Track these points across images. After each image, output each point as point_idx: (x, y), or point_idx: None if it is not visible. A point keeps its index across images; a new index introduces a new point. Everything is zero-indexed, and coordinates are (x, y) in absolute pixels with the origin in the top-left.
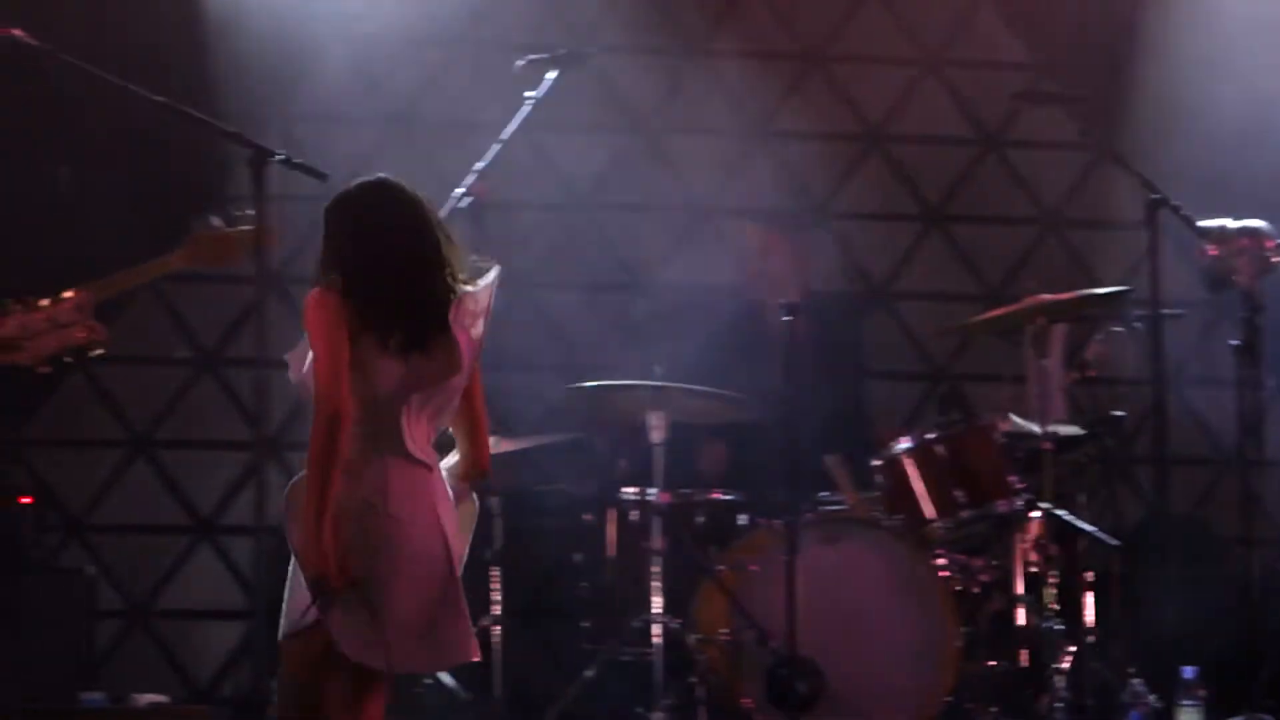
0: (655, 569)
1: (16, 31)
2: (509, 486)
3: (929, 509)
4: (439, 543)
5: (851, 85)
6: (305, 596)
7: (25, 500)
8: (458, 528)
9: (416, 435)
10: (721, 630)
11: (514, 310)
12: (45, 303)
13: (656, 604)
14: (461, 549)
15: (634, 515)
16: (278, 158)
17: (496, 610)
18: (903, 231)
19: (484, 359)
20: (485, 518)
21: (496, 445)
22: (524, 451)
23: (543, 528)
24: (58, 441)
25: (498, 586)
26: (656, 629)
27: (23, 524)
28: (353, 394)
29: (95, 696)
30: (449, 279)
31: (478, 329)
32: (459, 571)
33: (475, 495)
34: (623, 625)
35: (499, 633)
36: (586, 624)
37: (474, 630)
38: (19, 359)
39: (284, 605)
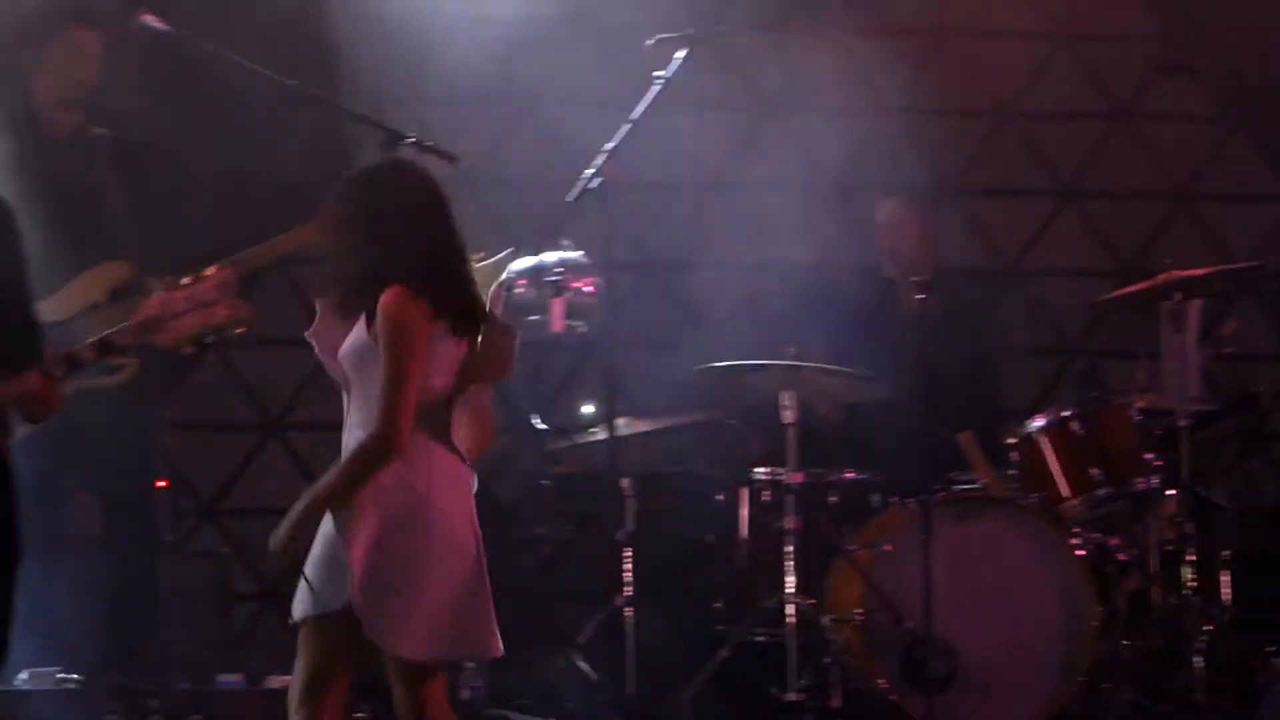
0: (788, 549)
1: (148, 15)
2: (641, 468)
3: (1065, 487)
4: (472, 535)
5: (982, 60)
6: (337, 581)
7: (161, 484)
8: None
9: (458, 427)
10: (855, 610)
11: (644, 291)
12: (187, 281)
13: (790, 585)
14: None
15: (766, 495)
16: (409, 140)
17: (629, 592)
18: (1036, 207)
19: (618, 339)
20: (619, 498)
21: (629, 427)
22: (655, 433)
23: (675, 509)
24: (191, 425)
25: (629, 568)
26: (790, 610)
27: (159, 508)
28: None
29: (233, 678)
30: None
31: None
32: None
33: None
34: (756, 606)
35: (631, 615)
36: (719, 605)
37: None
38: (161, 339)
39: (310, 583)
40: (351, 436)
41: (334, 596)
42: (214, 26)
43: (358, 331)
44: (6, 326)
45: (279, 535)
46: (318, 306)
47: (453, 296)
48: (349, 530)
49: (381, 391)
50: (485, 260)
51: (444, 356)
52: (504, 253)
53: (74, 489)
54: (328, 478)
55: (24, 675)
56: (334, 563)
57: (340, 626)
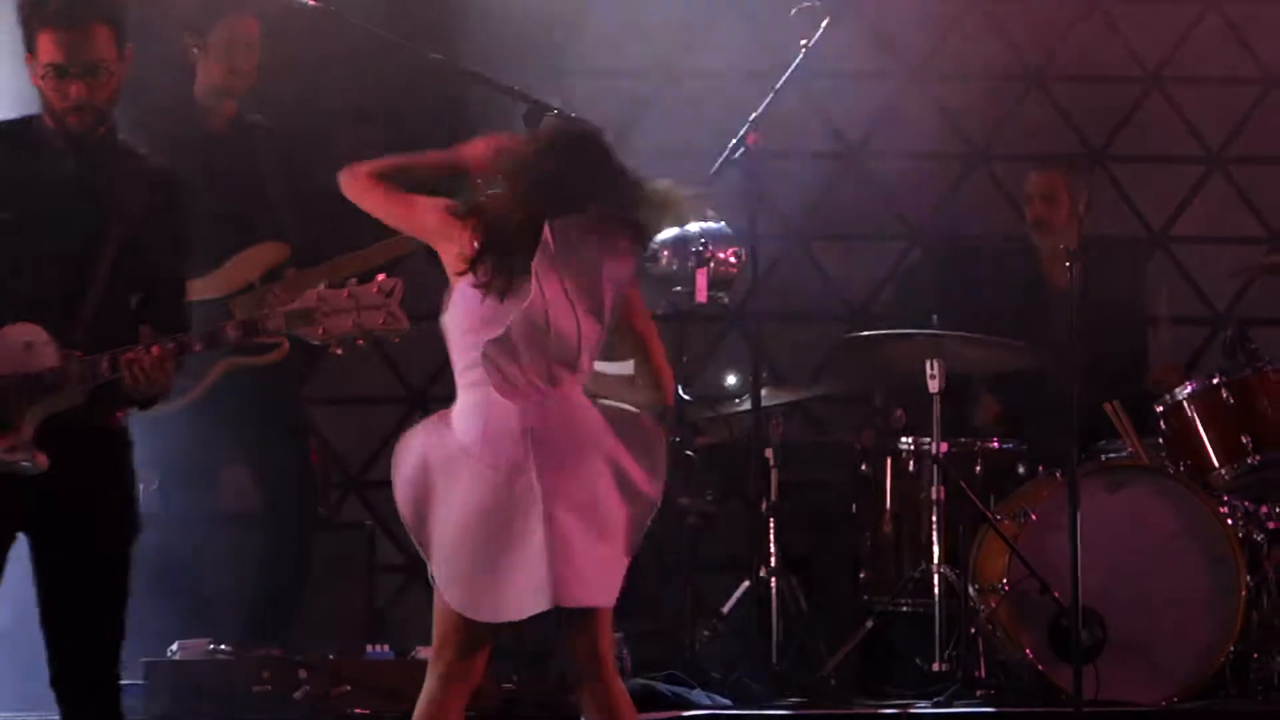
0: (933, 519)
1: None
2: (784, 438)
3: (1214, 455)
4: (522, 483)
5: (1129, 25)
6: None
7: (312, 456)
8: (590, 461)
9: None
10: (1002, 580)
11: (787, 260)
12: (353, 281)
13: (935, 555)
14: (602, 485)
15: (911, 465)
16: (553, 112)
17: (773, 563)
18: (1183, 174)
19: (761, 309)
20: (763, 469)
21: (772, 396)
22: (799, 403)
23: (819, 479)
24: (337, 399)
25: (773, 539)
26: (935, 580)
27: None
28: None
29: (381, 649)
30: None
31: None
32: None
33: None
34: (901, 577)
35: (775, 585)
36: (864, 575)
37: (585, 573)
38: (310, 334)
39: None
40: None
41: None
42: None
43: None
44: (157, 301)
45: None
46: None
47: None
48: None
49: None
50: None
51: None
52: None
53: (226, 464)
54: None
55: (175, 647)
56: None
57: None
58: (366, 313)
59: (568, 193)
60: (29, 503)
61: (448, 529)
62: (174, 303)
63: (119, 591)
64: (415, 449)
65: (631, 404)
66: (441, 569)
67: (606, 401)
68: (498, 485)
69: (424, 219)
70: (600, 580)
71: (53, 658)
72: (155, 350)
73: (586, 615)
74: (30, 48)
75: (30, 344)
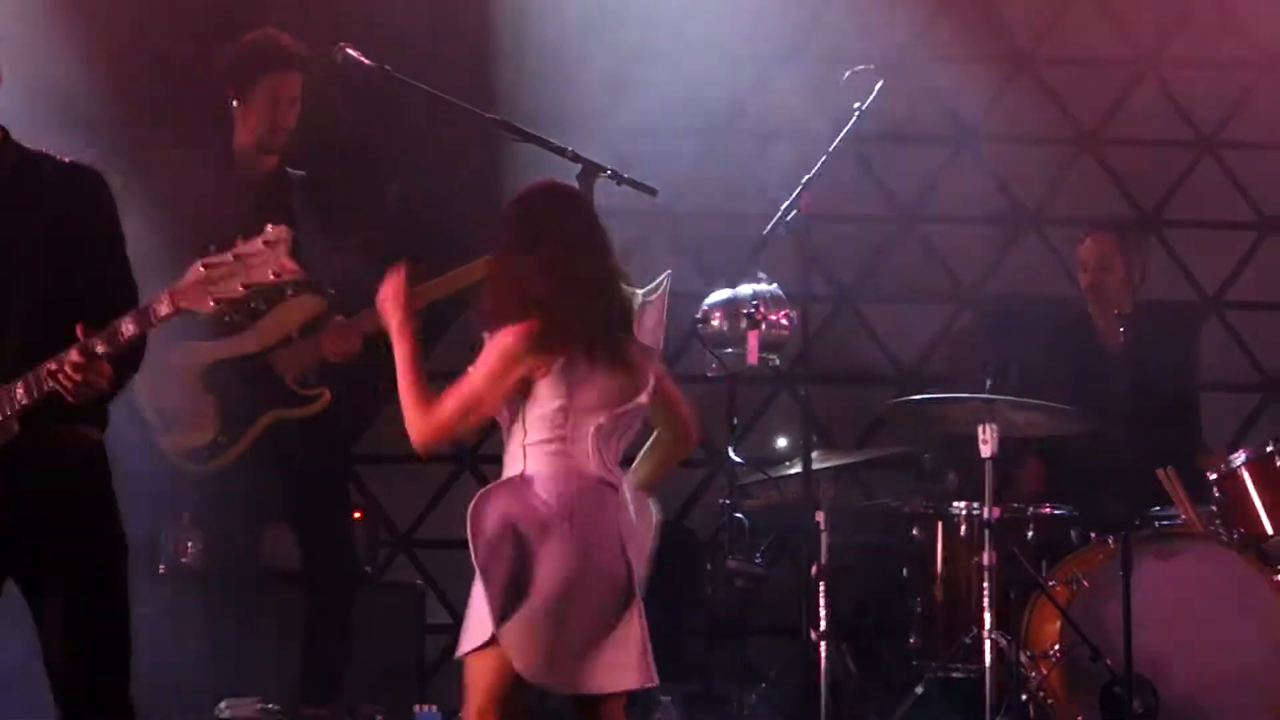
0: (985, 585)
1: (349, 49)
2: (835, 502)
3: (1269, 523)
4: (621, 564)
5: (1181, 92)
6: (485, 614)
7: (357, 515)
8: (642, 547)
9: (605, 454)
10: (1054, 647)
11: (838, 322)
12: (238, 246)
13: (987, 621)
14: (642, 569)
15: (963, 530)
16: (606, 173)
17: (822, 627)
18: (1236, 239)
19: (812, 372)
20: (813, 532)
21: (823, 459)
22: (850, 465)
23: (869, 543)
24: (386, 458)
25: (823, 603)
26: (987, 646)
27: (356, 539)
28: (543, 410)
29: (429, 710)
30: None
31: (657, 338)
32: (638, 594)
33: (654, 507)
34: (952, 642)
35: (825, 649)
36: (914, 641)
37: (648, 656)
38: (201, 307)
39: (465, 623)
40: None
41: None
42: (398, 60)
43: None
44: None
45: None
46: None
47: (593, 324)
48: (484, 559)
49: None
50: (645, 290)
51: (582, 382)
52: (660, 279)
53: (270, 521)
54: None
55: (223, 705)
56: (480, 600)
57: (490, 659)
58: (254, 269)
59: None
60: (9, 545)
61: (535, 594)
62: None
63: (117, 614)
64: (499, 510)
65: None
66: (516, 632)
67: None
68: (590, 558)
69: (504, 386)
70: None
71: (57, 698)
72: (74, 354)
73: (628, 694)
74: None
75: None
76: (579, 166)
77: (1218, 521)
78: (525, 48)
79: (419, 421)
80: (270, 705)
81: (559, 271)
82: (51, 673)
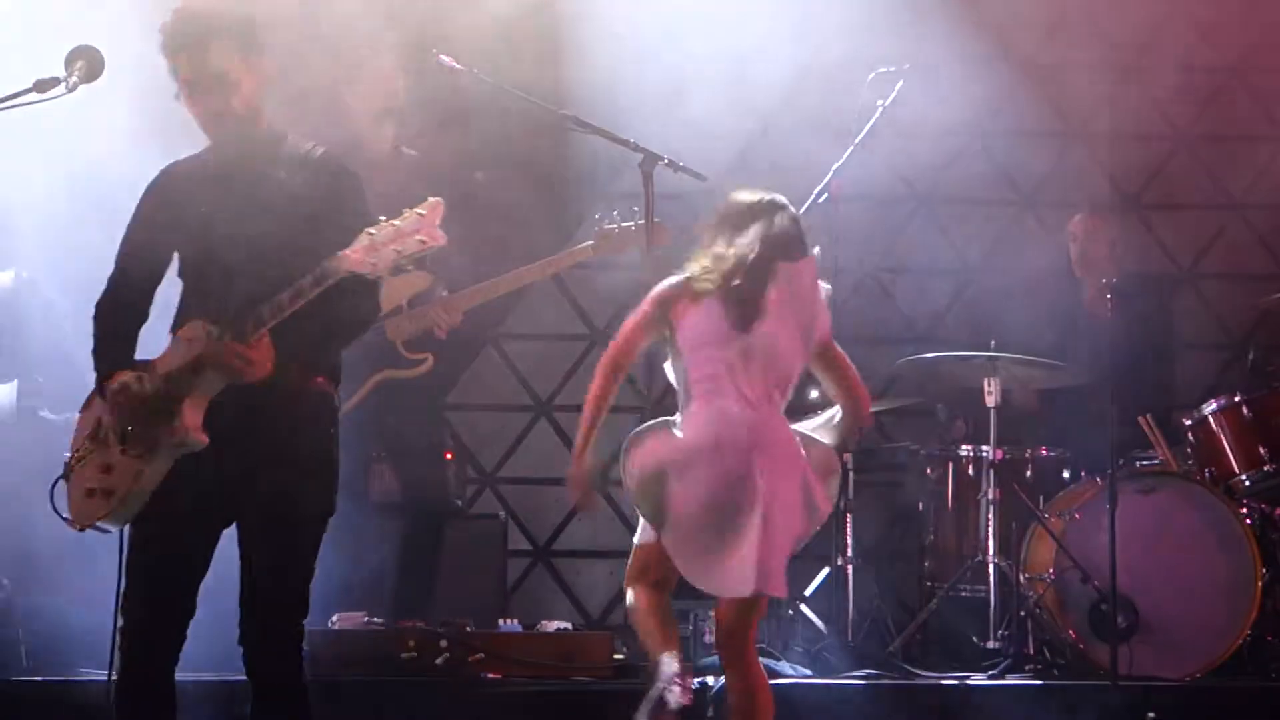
0: (989, 517)
1: (443, 55)
2: (860, 445)
3: (1235, 463)
4: (744, 491)
5: (1162, 91)
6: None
7: (448, 456)
8: (794, 474)
9: (749, 390)
10: (1049, 571)
11: (863, 292)
12: (401, 217)
13: (990, 548)
14: (798, 496)
15: (970, 470)
16: (664, 161)
17: (849, 553)
18: (1207, 219)
19: (841, 333)
20: (841, 471)
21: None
22: (873, 414)
23: (890, 481)
24: (474, 406)
25: (850, 532)
26: (990, 570)
27: (448, 476)
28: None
29: (511, 623)
30: None
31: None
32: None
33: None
34: (961, 566)
35: (851, 572)
36: (928, 565)
37: (765, 568)
38: (366, 271)
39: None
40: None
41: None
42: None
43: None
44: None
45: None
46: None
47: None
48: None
49: None
50: None
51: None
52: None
53: (374, 461)
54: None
55: (335, 618)
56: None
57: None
58: (406, 239)
59: (793, 243)
60: (224, 487)
61: (684, 514)
62: (349, 289)
63: (302, 556)
64: (649, 450)
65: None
66: (674, 542)
67: (799, 427)
68: (729, 484)
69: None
70: (782, 576)
71: (244, 613)
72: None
73: (758, 600)
74: (173, 75)
75: (190, 338)
76: (641, 155)
77: (1190, 462)
78: (592, 48)
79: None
80: (375, 619)
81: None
82: (241, 603)
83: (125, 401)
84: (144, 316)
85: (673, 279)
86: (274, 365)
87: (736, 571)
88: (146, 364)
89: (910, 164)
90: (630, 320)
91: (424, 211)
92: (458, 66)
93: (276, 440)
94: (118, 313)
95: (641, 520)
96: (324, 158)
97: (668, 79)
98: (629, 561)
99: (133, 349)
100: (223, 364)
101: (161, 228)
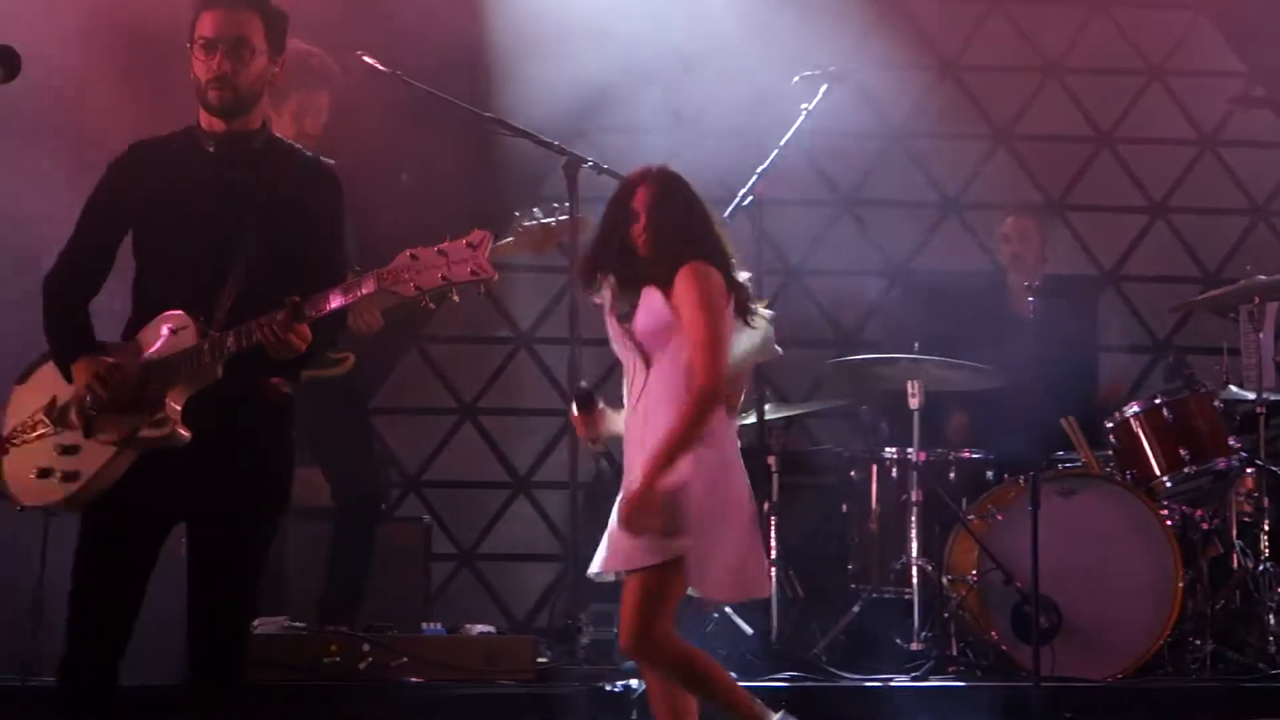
0: (913, 519)
1: (366, 57)
2: (785, 447)
3: (1156, 465)
4: (749, 493)
5: (1083, 93)
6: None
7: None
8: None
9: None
10: (972, 572)
11: (788, 292)
12: (444, 243)
13: (914, 549)
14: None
15: (894, 472)
16: (588, 164)
17: (774, 555)
18: (1131, 222)
19: None
20: (765, 473)
21: (775, 411)
22: (797, 417)
23: (814, 483)
24: (397, 409)
25: (775, 534)
26: (914, 571)
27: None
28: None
29: (435, 626)
30: None
31: None
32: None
33: None
34: (884, 568)
35: (776, 574)
36: (852, 567)
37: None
38: (404, 289)
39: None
40: (653, 409)
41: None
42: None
43: (654, 308)
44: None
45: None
46: (606, 291)
47: (735, 282)
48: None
49: (702, 349)
50: None
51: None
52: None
53: (302, 464)
54: (670, 439)
55: (257, 622)
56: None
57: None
58: (455, 266)
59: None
60: (193, 485)
61: (725, 519)
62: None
63: (257, 560)
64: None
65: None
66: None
67: None
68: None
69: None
70: None
71: (191, 616)
72: (282, 314)
73: None
74: (190, 36)
75: (176, 329)
76: (564, 158)
77: (1112, 464)
78: (516, 53)
79: (709, 386)
80: (296, 623)
81: (711, 230)
82: (191, 608)
83: (109, 385)
84: (96, 293)
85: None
86: (256, 370)
87: (758, 573)
88: (116, 347)
89: (835, 166)
90: (721, 321)
91: (475, 243)
92: (382, 69)
93: (243, 441)
94: (74, 289)
95: (645, 542)
96: (316, 160)
97: (595, 81)
98: (640, 600)
99: (91, 328)
100: (282, 342)
101: (130, 205)
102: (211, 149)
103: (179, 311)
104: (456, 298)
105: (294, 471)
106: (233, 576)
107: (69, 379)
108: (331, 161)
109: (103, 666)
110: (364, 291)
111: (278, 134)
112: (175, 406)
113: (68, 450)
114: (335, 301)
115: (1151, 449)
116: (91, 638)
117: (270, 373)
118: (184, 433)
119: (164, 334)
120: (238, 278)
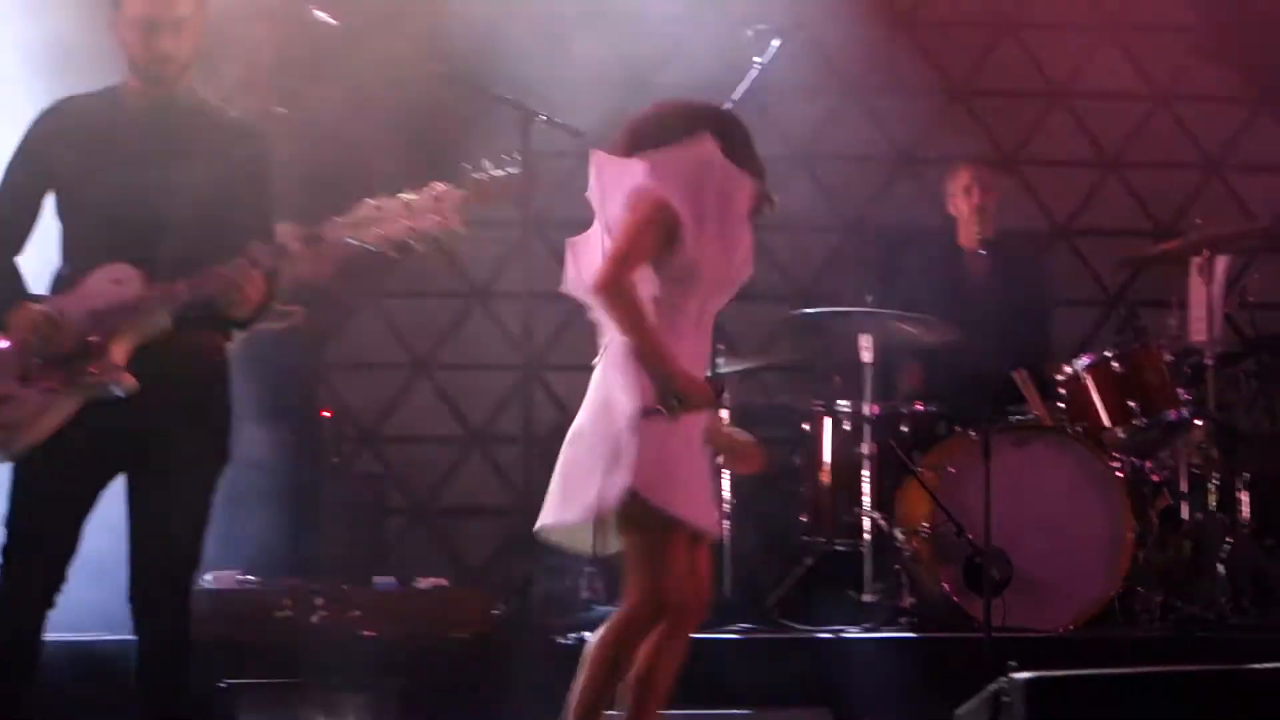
0: (865, 472)
1: (317, 10)
2: (738, 400)
3: (1106, 417)
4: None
5: (1037, 49)
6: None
7: (326, 413)
8: None
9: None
10: (924, 524)
11: None
12: (407, 193)
13: (866, 502)
14: None
15: (847, 425)
16: (541, 117)
17: (727, 508)
18: (1084, 176)
19: None
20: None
21: (729, 365)
22: (751, 370)
23: (767, 436)
24: (352, 364)
25: (728, 485)
26: (866, 523)
27: (322, 433)
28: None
29: (386, 580)
30: None
31: None
32: None
33: None
34: (836, 520)
35: (729, 527)
36: (805, 519)
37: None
38: (367, 239)
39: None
40: None
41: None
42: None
43: None
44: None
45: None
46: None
47: None
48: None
49: None
50: None
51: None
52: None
53: (249, 419)
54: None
55: (209, 576)
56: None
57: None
58: (420, 217)
59: None
60: (134, 438)
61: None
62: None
63: (200, 514)
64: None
65: None
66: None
67: None
68: None
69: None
70: None
71: (132, 571)
72: (242, 262)
73: None
74: (116, 3)
75: (119, 280)
76: (517, 111)
77: (1064, 417)
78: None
79: None
80: (249, 577)
81: None
82: (132, 559)
83: (47, 334)
84: (21, 246)
85: None
86: (197, 324)
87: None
88: (56, 298)
89: (788, 121)
90: None
91: (438, 194)
92: (333, 21)
93: (184, 393)
94: (1, 243)
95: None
96: (247, 121)
97: (549, 32)
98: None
99: (22, 277)
100: (231, 285)
101: (57, 162)
102: (137, 107)
103: (123, 264)
104: (421, 249)
105: (234, 426)
106: (171, 530)
107: (2, 328)
108: (253, 122)
109: (32, 617)
110: (326, 238)
111: (227, 74)
112: (119, 357)
113: (4, 400)
114: (294, 246)
115: (1102, 401)
116: (22, 588)
117: (211, 327)
118: (126, 381)
119: (107, 285)
120: (168, 235)
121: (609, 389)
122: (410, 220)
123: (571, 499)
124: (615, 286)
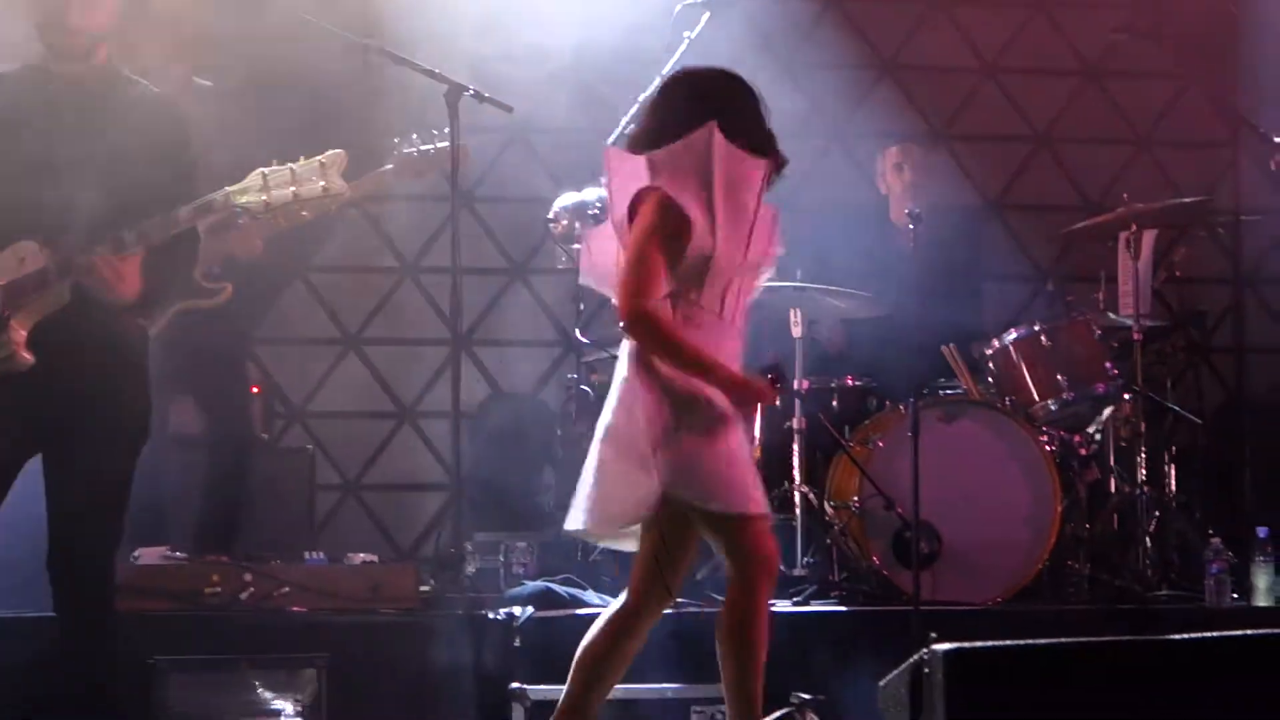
0: (795, 446)
1: None
2: None
3: (1035, 391)
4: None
5: (969, 25)
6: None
7: (255, 390)
8: None
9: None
10: (853, 498)
11: None
12: (296, 162)
13: (797, 476)
14: None
15: (777, 399)
16: (469, 92)
17: None
18: (1014, 152)
19: None
20: None
21: None
22: None
23: None
24: (282, 340)
25: None
26: (797, 497)
27: (251, 410)
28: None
29: (317, 556)
30: None
31: None
32: None
33: None
34: (768, 493)
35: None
36: None
37: None
38: (254, 206)
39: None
40: None
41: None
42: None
43: None
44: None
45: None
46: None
47: None
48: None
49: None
50: None
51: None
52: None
53: (177, 395)
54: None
55: (138, 552)
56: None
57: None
58: (305, 184)
59: None
60: (43, 413)
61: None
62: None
63: (114, 490)
64: None
65: None
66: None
67: None
68: None
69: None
70: None
71: (52, 541)
72: (109, 245)
73: None
74: None
75: (23, 258)
76: (446, 87)
77: (993, 391)
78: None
79: None
80: (177, 553)
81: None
82: (51, 531)
83: None
84: None
85: None
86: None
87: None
88: None
89: None
90: None
91: (324, 160)
92: None
93: (97, 368)
94: None
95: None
96: (163, 96)
97: (480, 8)
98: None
99: None
100: (95, 276)
101: None
102: (49, 84)
103: (29, 242)
104: (306, 214)
105: (153, 402)
106: (87, 508)
107: None
108: (173, 98)
109: None
110: (217, 207)
111: (142, 44)
112: (20, 331)
113: None
114: (184, 217)
115: (1030, 375)
116: None
117: (126, 308)
118: (26, 356)
119: (12, 263)
120: (86, 212)
121: (633, 395)
122: (295, 186)
123: (610, 500)
124: (639, 321)
